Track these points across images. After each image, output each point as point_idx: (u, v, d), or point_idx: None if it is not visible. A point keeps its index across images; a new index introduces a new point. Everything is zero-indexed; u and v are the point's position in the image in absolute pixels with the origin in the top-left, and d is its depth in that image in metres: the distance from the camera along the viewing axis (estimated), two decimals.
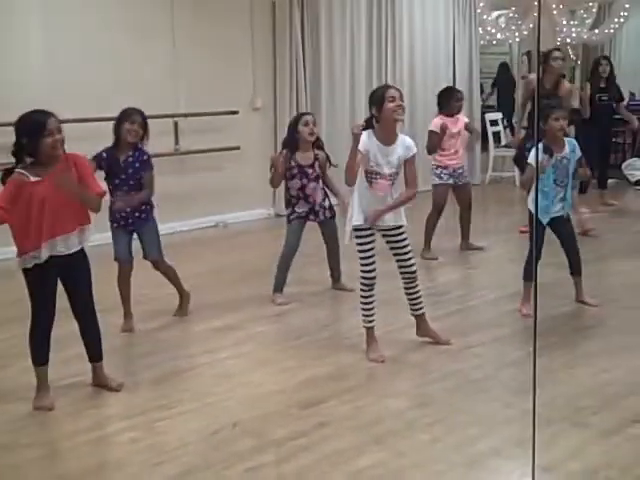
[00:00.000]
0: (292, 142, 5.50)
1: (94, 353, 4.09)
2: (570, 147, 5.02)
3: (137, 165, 4.87)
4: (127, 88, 7.16)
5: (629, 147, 11.45)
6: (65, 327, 4.04)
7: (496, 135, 11.92)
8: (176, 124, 7.94)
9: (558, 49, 5.08)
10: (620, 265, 6.43)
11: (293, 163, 5.46)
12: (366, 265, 4.36)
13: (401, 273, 4.51)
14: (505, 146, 12.05)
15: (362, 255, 4.37)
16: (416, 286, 4.54)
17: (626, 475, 3.07)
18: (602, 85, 8.74)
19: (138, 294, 5.19)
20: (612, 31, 12.20)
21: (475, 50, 11.39)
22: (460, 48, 11.06)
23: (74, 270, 3.90)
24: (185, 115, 7.96)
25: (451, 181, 6.75)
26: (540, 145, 5.02)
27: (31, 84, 6.81)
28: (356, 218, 4.34)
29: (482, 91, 12.80)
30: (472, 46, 11.31)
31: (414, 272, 4.49)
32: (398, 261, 4.48)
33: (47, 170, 3.69)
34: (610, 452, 3.27)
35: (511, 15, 12.07)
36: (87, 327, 4.04)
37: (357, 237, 4.37)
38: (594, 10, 11.90)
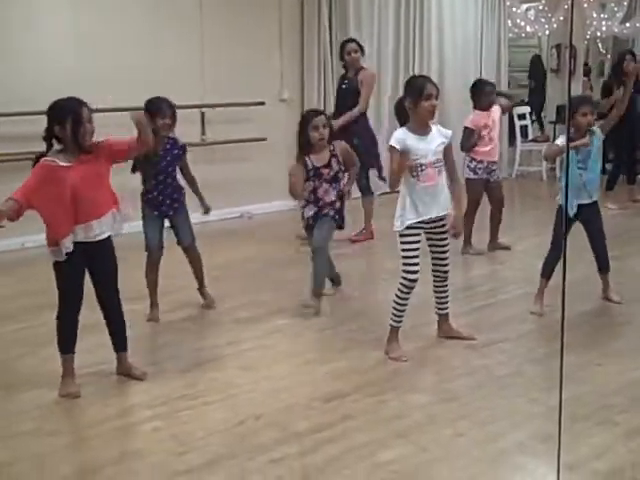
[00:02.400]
0: (305, 144, 5.11)
1: (119, 342, 4.11)
2: (593, 134, 4.96)
3: (174, 153, 4.99)
4: (154, 78, 7.19)
5: None
6: (90, 315, 4.06)
7: (523, 129, 11.83)
8: (203, 114, 7.95)
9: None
10: None
11: (310, 165, 5.10)
12: (411, 265, 4.25)
13: (434, 270, 4.46)
14: (533, 140, 11.98)
15: (408, 254, 4.26)
16: (446, 285, 4.50)
17: None
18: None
19: (165, 284, 5.20)
20: None
21: (504, 43, 11.31)
22: (488, 41, 10.99)
23: (101, 259, 3.90)
24: (212, 106, 7.97)
25: (485, 176, 6.67)
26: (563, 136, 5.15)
27: (60, 72, 6.85)
28: (408, 217, 4.24)
29: (510, 84, 12.71)
30: (500, 39, 11.23)
31: (447, 271, 4.45)
32: (434, 258, 4.42)
33: (76, 157, 3.72)
34: (636, 452, 3.23)
35: (541, 8, 11.95)
36: (112, 316, 4.05)
37: (405, 236, 4.25)
38: (625, 3, 11.73)
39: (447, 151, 4.32)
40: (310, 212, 5.16)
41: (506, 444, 3.31)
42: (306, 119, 5.13)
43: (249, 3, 8.38)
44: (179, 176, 5.09)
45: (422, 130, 4.24)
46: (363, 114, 7.21)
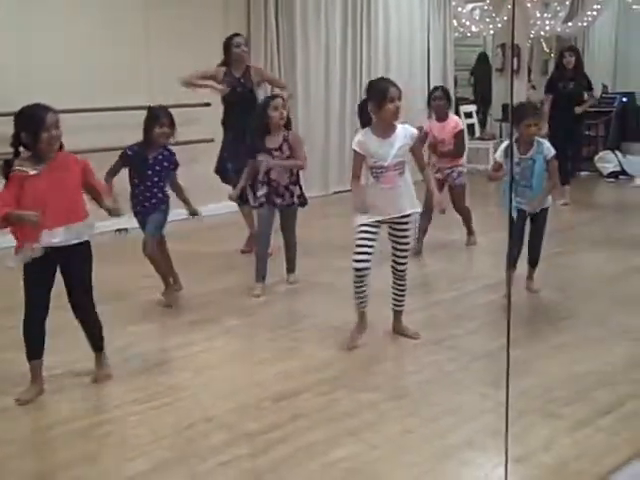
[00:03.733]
0: (262, 126, 5.40)
1: (92, 344, 4.15)
2: (539, 148, 5.05)
3: (165, 164, 5.09)
4: (101, 79, 7.15)
5: (602, 140, 11.54)
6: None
7: (470, 127, 11.98)
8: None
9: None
10: (591, 257, 6.48)
11: (262, 147, 5.40)
12: (357, 254, 4.30)
13: (392, 267, 4.53)
14: (480, 138, 12.13)
15: (357, 244, 4.32)
16: (402, 284, 4.57)
17: (597, 466, 3.09)
18: (568, 75, 8.80)
19: (118, 288, 5.16)
20: (585, 24, 12.25)
21: (449, 42, 11.44)
22: (435, 40, 11.11)
23: (72, 263, 3.90)
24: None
25: (439, 175, 6.65)
26: (504, 145, 5.28)
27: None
28: (362, 216, 4.30)
29: (456, 83, 12.84)
30: (446, 38, 11.36)
31: (403, 270, 4.51)
32: (393, 255, 4.48)
33: (44, 164, 3.74)
34: (582, 443, 3.29)
35: (485, 8, 12.10)
36: (85, 319, 4.07)
37: (360, 232, 4.31)
38: (567, 3, 11.92)
39: (414, 151, 4.38)
40: (262, 191, 5.41)
41: (455, 439, 3.35)
42: (266, 101, 5.48)
43: (195, 4, 8.34)
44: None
45: (385, 132, 4.25)
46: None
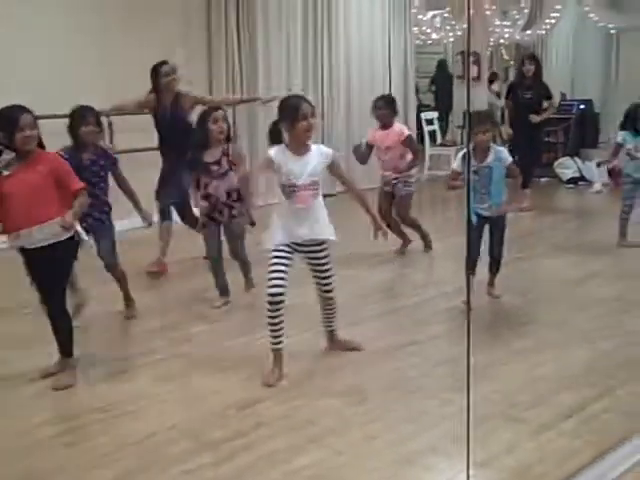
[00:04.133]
0: (202, 139, 5.15)
1: (59, 348, 4.14)
2: (496, 156, 5.06)
3: (101, 162, 4.94)
4: (58, 86, 7.08)
5: (561, 146, 11.68)
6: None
7: (432, 134, 12.07)
8: (110, 122, 7.81)
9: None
10: (551, 262, 6.55)
11: (201, 161, 5.17)
12: (270, 280, 4.05)
13: (318, 293, 4.37)
14: (441, 145, 12.22)
15: (270, 270, 4.07)
16: (331, 307, 4.42)
17: (559, 469, 3.12)
18: (527, 83, 8.86)
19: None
20: (543, 32, 12.43)
21: (410, 50, 11.51)
22: (395, 48, 11.15)
23: (41, 264, 3.95)
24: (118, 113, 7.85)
25: (387, 188, 6.75)
26: (461, 154, 5.25)
27: None
28: (275, 237, 4.10)
29: (417, 90, 12.93)
30: (407, 46, 11.43)
31: (329, 291, 4.34)
32: (315, 281, 4.33)
33: (20, 164, 3.84)
34: (544, 447, 3.32)
35: (446, 15, 12.20)
36: (53, 322, 4.08)
37: (273, 257, 4.09)
38: (526, 11, 12.08)
39: (333, 169, 4.22)
40: (204, 208, 5.22)
41: (418, 445, 3.35)
42: (205, 114, 5.19)
43: (154, 9, 8.33)
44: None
45: (299, 151, 4.08)
46: None
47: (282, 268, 4.06)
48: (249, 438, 3.45)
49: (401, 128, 6.76)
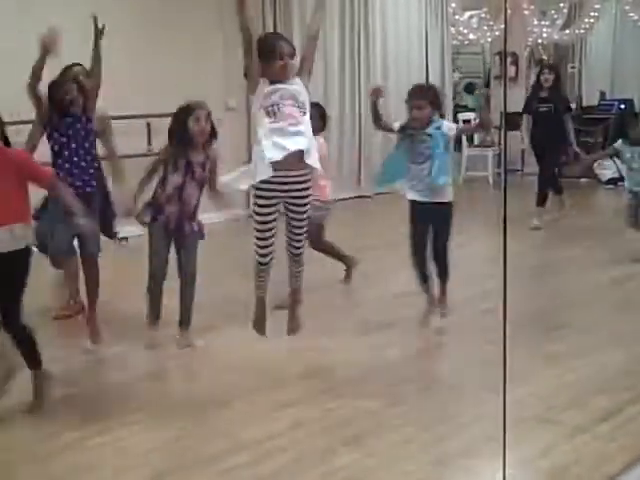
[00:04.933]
0: (183, 137, 4.53)
1: (26, 361, 3.82)
2: (435, 125, 4.66)
3: (83, 135, 4.74)
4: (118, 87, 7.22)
5: (600, 146, 11.55)
6: None
7: (470, 135, 12.00)
8: (149, 124, 7.91)
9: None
10: (587, 264, 6.47)
11: (183, 159, 4.53)
12: (263, 249, 3.96)
13: (287, 249, 4.07)
14: (478, 145, 12.16)
15: (261, 243, 3.94)
16: (299, 267, 4.13)
17: (594, 472, 3.10)
18: (543, 95, 8.30)
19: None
20: (582, 31, 12.31)
21: (447, 50, 11.47)
22: (432, 49, 11.13)
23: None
24: (158, 115, 7.93)
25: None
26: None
27: None
28: (260, 171, 3.71)
29: (456, 91, 12.88)
30: (444, 47, 11.39)
31: (299, 254, 4.07)
32: (288, 233, 4.01)
33: None
34: (579, 449, 3.30)
35: (483, 15, 12.15)
36: (14, 335, 3.74)
37: (258, 198, 3.85)
38: (565, 10, 11.99)
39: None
40: (170, 210, 4.56)
41: (453, 447, 3.36)
42: (187, 110, 4.56)
43: (191, 9, 8.41)
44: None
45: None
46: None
47: (271, 233, 3.92)
48: (284, 439, 3.47)
49: (320, 144, 4.96)
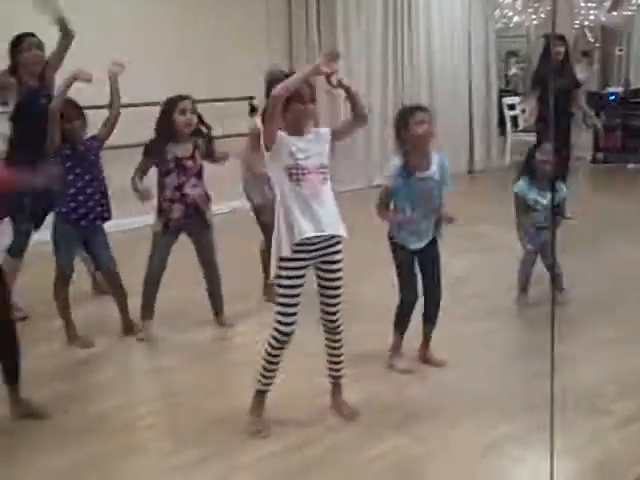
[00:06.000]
0: (167, 130, 4.45)
1: (7, 375, 3.56)
2: (438, 163, 3.90)
3: (93, 151, 4.53)
4: (166, 74, 7.38)
5: None
6: None
7: (514, 119, 11.88)
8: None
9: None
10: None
11: (169, 155, 4.45)
12: (288, 317, 3.32)
13: (323, 320, 3.51)
14: (523, 130, 12.01)
15: (284, 301, 3.32)
16: (339, 341, 3.54)
17: None
18: (557, 69, 7.60)
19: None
20: (630, 13, 12.07)
21: (492, 33, 11.31)
22: (476, 31, 10.97)
23: None
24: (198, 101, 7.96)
25: None
26: (396, 161, 3.86)
27: None
28: (285, 247, 3.25)
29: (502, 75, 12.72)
30: (488, 29, 11.22)
31: (337, 321, 3.49)
32: (323, 302, 3.46)
33: None
34: (630, 439, 3.25)
35: None
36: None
37: (283, 269, 3.29)
38: None
39: (338, 133, 3.45)
40: (178, 212, 4.50)
41: (500, 433, 3.33)
42: (172, 102, 4.48)
43: (237, 10, 8.48)
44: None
45: (298, 133, 3.33)
46: None
47: (297, 300, 3.33)
48: (327, 424, 3.46)
49: None
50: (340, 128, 3.49)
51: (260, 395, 3.45)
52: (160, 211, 4.54)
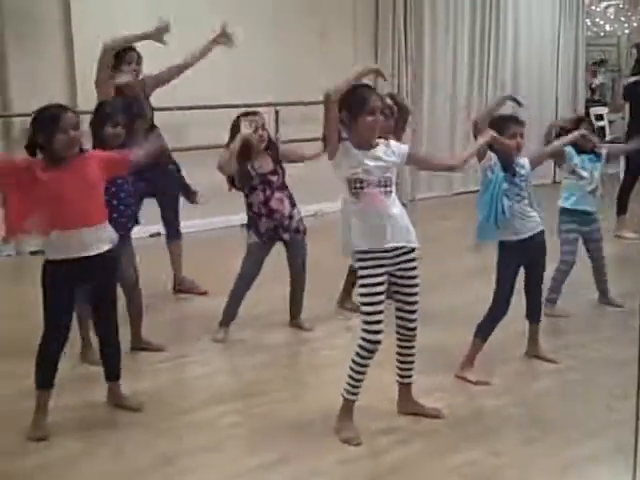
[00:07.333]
0: (245, 149, 4.46)
1: (111, 371, 3.70)
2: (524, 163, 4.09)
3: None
4: (226, 76, 7.39)
5: None
6: None
7: (601, 129, 11.64)
8: (277, 112, 8.00)
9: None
10: None
11: (252, 172, 4.51)
12: (375, 325, 3.29)
13: (398, 327, 3.50)
14: (610, 141, 11.76)
15: (369, 309, 3.29)
16: (412, 347, 3.54)
17: None
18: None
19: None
20: None
21: (581, 42, 11.11)
22: (565, 40, 10.81)
23: (96, 277, 3.48)
24: (285, 104, 8.03)
25: None
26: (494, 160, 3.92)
27: None
28: (357, 243, 3.32)
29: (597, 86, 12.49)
30: (578, 38, 11.03)
31: (414, 328, 3.49)
32: (399, 309, 3.46)
33: (61, 166, 3.31)
34: None
35: (621, 6, 11.73)
36: (107, 342, 3.66)
37: (361, 267, 3.31)
38: None
39: (413, 160, 3.59)
40: (265, 226, 4.55)
41: (580, 452, 3.27)
42: (239, 120, 4.51)
43: (325, 7, 8.51)
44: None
45: (364, 146, 3.29)
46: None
47: (380, 308, 3.31)
48: (406, 433, 3.45)
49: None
50: (421, 159, 3.52)
51: (349, 403, 3.45)
52: (249, 226, 4.63)
